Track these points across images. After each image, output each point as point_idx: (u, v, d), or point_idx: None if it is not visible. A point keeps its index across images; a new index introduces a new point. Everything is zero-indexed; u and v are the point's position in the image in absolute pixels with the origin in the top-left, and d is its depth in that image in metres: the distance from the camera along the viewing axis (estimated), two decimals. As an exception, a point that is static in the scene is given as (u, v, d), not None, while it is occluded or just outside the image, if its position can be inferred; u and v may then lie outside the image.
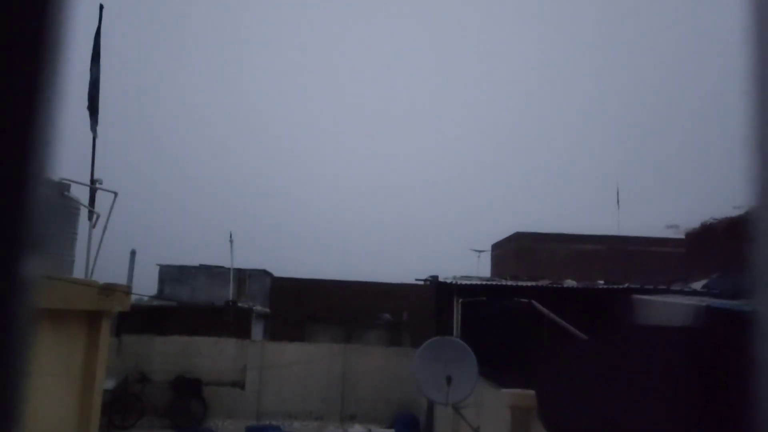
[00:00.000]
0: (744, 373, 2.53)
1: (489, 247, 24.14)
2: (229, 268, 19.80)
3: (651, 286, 9.62)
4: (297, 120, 57.89)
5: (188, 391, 15.93)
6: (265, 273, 21.77)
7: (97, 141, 7.78)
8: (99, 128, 7.92)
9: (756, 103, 0.59)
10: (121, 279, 7.71)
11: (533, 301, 8.04)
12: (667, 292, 8.96)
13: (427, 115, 60.74)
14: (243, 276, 20.44)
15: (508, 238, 21.83)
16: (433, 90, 61.85)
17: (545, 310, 7.50)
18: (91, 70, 7.99)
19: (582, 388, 3.59)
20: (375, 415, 16.39)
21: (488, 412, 7.52)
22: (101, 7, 8.02)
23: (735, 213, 10.70)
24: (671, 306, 7.10)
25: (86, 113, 7.86)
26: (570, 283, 11.24)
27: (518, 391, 5.88)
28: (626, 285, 9.78)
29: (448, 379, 7.57)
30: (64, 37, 0.58)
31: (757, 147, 0.59)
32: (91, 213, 7.00)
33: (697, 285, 9.68)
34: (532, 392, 4.66)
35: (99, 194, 7.36)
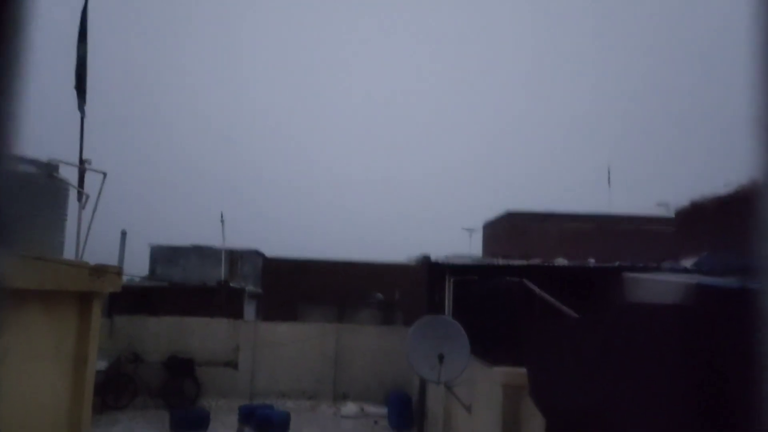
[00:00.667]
0: (735, 349, 2.56)
1: (480, 227, 24.21)
2: (220, 249, 19.76)
3: (641, 264, 9.67)
4: (289, 100, 57.51)
5: (181, 371, 15.98)
6: (256, 253, 21.75)
7: (85, 121, 7.69)
8: (87, 108, 7.83)
9: (763, 83, 0.57)
10: (112, 260, 7.69)
11: (524, 280, 8.07)
12: (657, 270, 9.03)
13: (418, 95, 60.47)
14: (235, 256, 20.42)
15: (500, 217, 21.86)
16: (423, 70, 61.50)
17: (536, 289, 7.53)
18: (78, 48, 7.86)
19: (573, 366, 3.62)
20: (368, 393, 16.52)
21: (480, 389, 7.59)
22: (87, -17, 7.88)
23: (725, 191, 10.75)
24: (661, 284, 7.15)
25: (74, 92, 7.76)
26: (561, 261, 11.29)
27: (510, 369, 5.93)
28: (617, 263, 9.84)
29: (440, 358, 7.62)
30: (25, 14, 0.55)
31: (765, 126, 0.58)
32: (80, 194, 6.94)
33: (687, 263, 9.75)
34: (523, 370, 4.70)
35: (88, 175, 7.30)
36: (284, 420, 13.57)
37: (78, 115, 7.71)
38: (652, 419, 2.88)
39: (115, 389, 15.21)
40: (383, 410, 15.33)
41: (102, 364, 13.92)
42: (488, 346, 8.16)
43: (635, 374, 2.98)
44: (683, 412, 2.75)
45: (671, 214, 12.89)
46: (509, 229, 20.73)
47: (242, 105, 55.46)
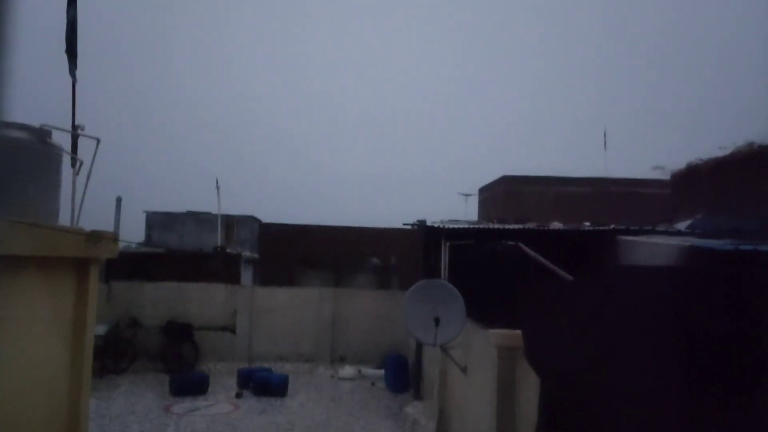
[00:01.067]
0: (727, 309, 2.58)
1: (476, 191, 24.20)
2: (216, 215, 19.75)
3: (636, 228, 9.71)
4: (285, 66, 56.85)
5: (180, 335, 16.13)
6: (253, 219, 21.75)
7: (77, 86, 7.59)
8: (79, 73, 7.72)
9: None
10: (107, 226, 7.68)
11: (520, 244, 8.10)
12: (651, 232, 9.07)
13: (414, 60, 59.80)
14: (231, 222, 20.43)
15: (496, 181, 21.84)
16: (419, 35, 60.70)
17: (532, 252, 7.57)
18: (67, 11, 7.72)
19: (567, 327, 3.65)
20: (365, 356, 16.73)
21: (475, 351, 7.68)
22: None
23: (720, 153, 10.73)
24: (656, 246, 7.19)
25: (65, 57, 7.65)
26: (556, 225, 11.33)
27: (505, 331, 5.99)
28: (612, 226, 9.87)
29: (436, 321, 7.70)
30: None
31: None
32: (74, 160, 6.89)
33: (682, 225, 9.79)
34: (518, 332, 4.74)
35: (82, 141, 7.23)
36: (283, 382, 13.76)
37: (69, 80, 7.61)
38: (645, 378, 2.92)
39: (114, 354, 15.36)
40: (380, 372, 15.55)
41: (101, 329, 14.02)
42: (484, 309, 8.23)
43: (629, 335, 3.02)
44: (675, 372, 2.79)
45: (667, 177, 12.89)
46: (505, 194, 20.73)
47: (238, 70, 54.81)
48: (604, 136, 21.21)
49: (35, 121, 6.44)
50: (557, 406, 3.80)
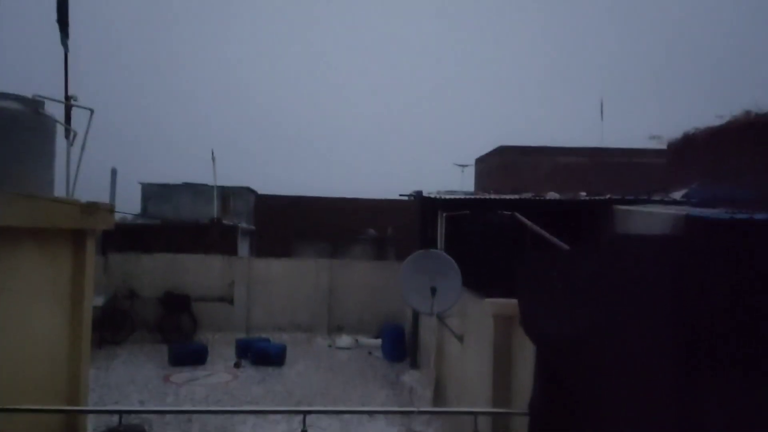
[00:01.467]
0: (723, 279, 2.59)
1: (473, 162, 24.15)
2: (212, 186, 19.70)
3: (632, 197, 9.73)
4: (281, 37, 56.18)
5: (177, 306, 16.21)
6: (249, 190, 21.72)
7: (69, 56, 7.49)
8: (71, 42, 7.61)
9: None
10: (103, 198, 7.62)
11: (516, 214, 8.11)
12: (647, 202, 9.09)
13: (411, 29, 59.14)
14: (227, 193, 20.40)
15: (492, 152, 21.77)
16: (416, 3, 59.95)
17: (528, 222, 7.58)
18: (57, -20, 7.59)
19: (563, 295, 3.67)
20: (362, 326, 16.87)
21: (472, 321, 7.74)
22: None
23: (717, 123, 10.70)
24: (651, 216, 7.21)
25: (56, 27, 7.53)
26: (553, 195, 11.34)
27: (501, 300, 6.03)
28: (608, 196, 9.89)
29: (433, 290, 7.76)
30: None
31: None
32: (67, 131, 6.83)
33: (678, 195, 9.81)
34: (514, 301, 4.77)
35: (76, 112, 7.17)
36: (281, 352, 13.89)
37: (61, 50, 7.51)
38: (640, 346, 2.95)
39: (112, 325, 15.45)
40: (377, 342, 15.69)
41: (99, 301, 14.08)
42: (480, 279, 8.28)
43: (625, 303, 3.03)
44: (670, 340, 2.81)
45: (664, 146, 12.87)
46: (501, 164, 20.69)
47: (233, 40, 54.16)
48: (601, 105, 21.09)
49: (28, 92, 6.38)
50: (553, 374, 3.85)
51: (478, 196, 12.44)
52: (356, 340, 16.19)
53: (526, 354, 5.09)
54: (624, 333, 3.02)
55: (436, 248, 10.56)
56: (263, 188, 22.62)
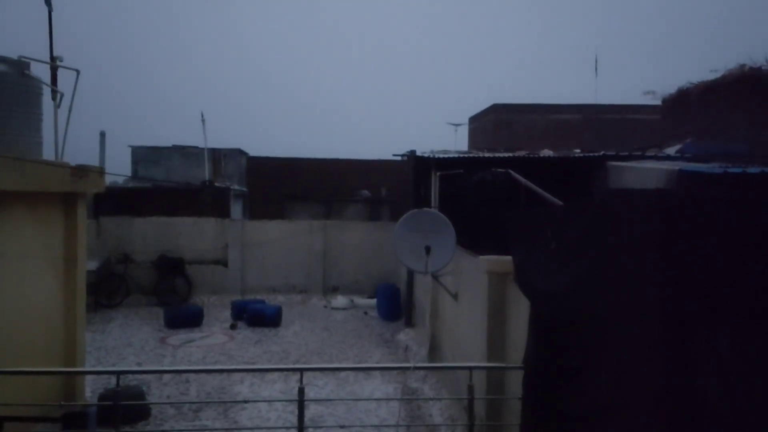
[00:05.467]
0: (715, 232, 2.58)
1: (466, 121, 24.01)
2: (202, 148, 19.54)
3: (626, 154, 9.70)
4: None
5: (172, 270, 16.23)
6: (240, 152, 21.55)
7: (54, 14, 7.31)
8: (55, 1, 7.42)
9: None
10: (92, 162, 7.53)
11: (510, 171, 8.09)
12: (641, 158, 9.07)
13: (401, -16, 58.08)
14: (218, 156, 20.23)
15: (485, 110, 21.63)
16: (406, -44, 58.72)
17: (522, 179, 7.56)
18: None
19: (557, 251, 3.68)
20: (357, 286, 16.96)
21: (466, 278, 7.79)
22: None
23: (711, 78, 10.63)
24: (645, 171, 7.20)
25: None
26: (547, 152, 11.30)
27: (495, 257, 6.05)
28: (602, 153, 9.85)
29: (427, 249, 7.77)
30: None
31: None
32: (54, 92, 6.71)
33: (671, 150, 9.79)
34: (508, 258, 4.78)
35: (62, 73, 7.03)
36: (276, 313, 13.97)
37: (45, 8, 7.33)
38: (633, 300, 2.96)
39: (107, 289, 15.48)
40: (372, 302, 15.81)
41: (93, 265, 14.08)
42: (474, 237, 8.29)
43: (618, 257, 3.03)
44: (663, 294, 2.82)
45: (658, 102, 12.80)
46: (495, 123, 20.58)
47: (224, 3, 53.10)
48: (595, 62, 20.92)
49: (12, 53, 6.24)
50: (546, 329, 3.87)
51: (471, 155, 12.38)
52: (351, 301, 16.30)
53: (520, 309, 5.13)
54: (618, 286, 3.03)
55: (430, 207, 10.55)
56: (255, 150, 22.46)
